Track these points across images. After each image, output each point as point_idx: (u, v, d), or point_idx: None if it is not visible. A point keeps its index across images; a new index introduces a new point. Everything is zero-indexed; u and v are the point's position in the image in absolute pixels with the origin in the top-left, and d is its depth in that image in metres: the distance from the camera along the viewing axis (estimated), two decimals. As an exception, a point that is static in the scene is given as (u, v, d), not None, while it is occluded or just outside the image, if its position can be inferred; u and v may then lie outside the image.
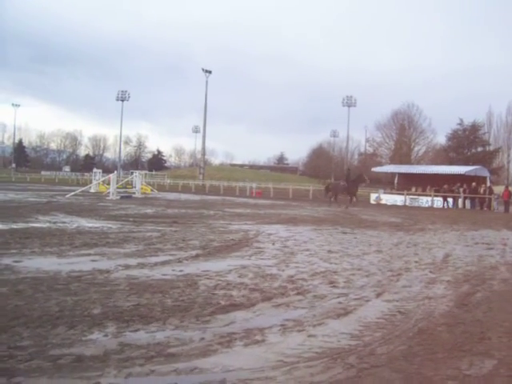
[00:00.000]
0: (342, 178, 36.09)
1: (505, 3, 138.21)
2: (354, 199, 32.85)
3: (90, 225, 14.65)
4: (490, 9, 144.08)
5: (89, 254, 9.35)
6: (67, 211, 19.23)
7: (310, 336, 5.05)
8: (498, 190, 44.37)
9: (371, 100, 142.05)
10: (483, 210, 36.87)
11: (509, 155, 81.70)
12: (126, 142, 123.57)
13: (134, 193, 37.50)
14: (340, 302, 6.53)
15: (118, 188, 35.14)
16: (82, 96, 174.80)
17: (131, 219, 17.13)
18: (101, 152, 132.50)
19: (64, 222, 14.99)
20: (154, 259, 9.11)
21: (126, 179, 45.67)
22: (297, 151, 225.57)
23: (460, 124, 79.89)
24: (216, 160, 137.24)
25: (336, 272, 8.68)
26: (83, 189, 37.58)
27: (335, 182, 38.68)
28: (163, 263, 8.78)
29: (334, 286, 7.51)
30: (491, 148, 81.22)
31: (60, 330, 4.86)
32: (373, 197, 44.24)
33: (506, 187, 41.69)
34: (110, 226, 14.53)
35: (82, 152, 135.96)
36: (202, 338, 4.81)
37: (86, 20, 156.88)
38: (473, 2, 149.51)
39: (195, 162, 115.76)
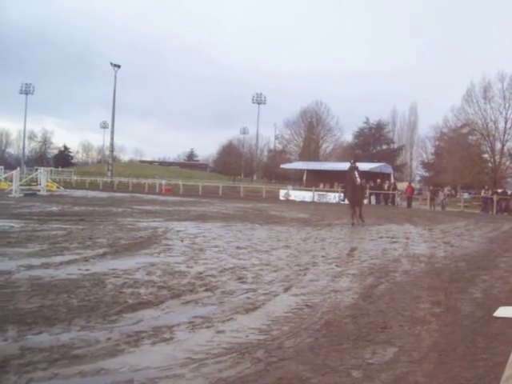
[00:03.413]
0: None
1: (413, 10, 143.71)
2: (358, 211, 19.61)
3: (-10, 224, 13.96)
4: (400, 13, 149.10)
5: (-12, 255, 8.92)
6: (-35, 210, 18.27)
7: (218, 332, 5.06)
8: (402, 186, 46.36)
9: (281, 98, 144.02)
10: (387, 206, 38.33)
11: (411, 153, 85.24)
12: (31, 138, 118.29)
13: (39, 190, 36.05)
14: (248, 298, 6.59)
15: (21, 185, 33.77)
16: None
17: (35, 217, 16.48)
18: (3, 147, 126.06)
19: (-39, 222, 14.20)
20: (59, 258, 8.81)
21: (31, 176, 43.92)
22: (207, 148, 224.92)
23: (366, 122, 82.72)
24: (125, 156, 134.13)
25: (245, 268, 8.75)
26: (-17, 186, 35.88)
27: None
28: (69, 262, 8.51)
29: (243, 282, 7.57)
30: (395, 146, 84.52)
31: (-45, 335, 4.62)
32: (282, 193, 45.01)
33: (409, 184, 43.66)
34: (12, 224, 13.88)
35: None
36: (109, 338, 4.71)
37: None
38: (382, 5, 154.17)
39: (103, 159, 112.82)
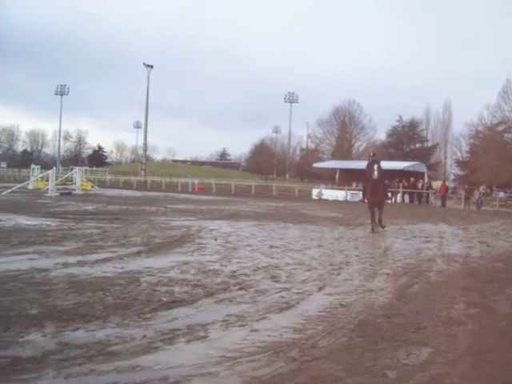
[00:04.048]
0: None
1: (446, 5, 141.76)
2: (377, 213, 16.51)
3: (28, 222, 14.21)
4: (428, 8, 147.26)
5: (26, 253, 9.07)
6: (3, 208, 18.61)
7: (252, 331, 5.08)
8: (436, 185, 45.70)
9: (313, 97, 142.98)
10: (421, 205, 37.87)
11: (445, 151, 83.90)
12: (66, 138, 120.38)
13: (74, 189, 36.64)
14: (282, 297, 6.58)
15: (57, 184, 34.34)
16: (18, 89, 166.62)
17: (71, 216, 16.75)
18: (39, 147, 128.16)
19: (0, 220, 14.50)
20: (94, 257, 8.95)
21: (66, 175, 44.60)
22: (239, 147, 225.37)
23: (399, 121, 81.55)
24: (158, 156, 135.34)
25: (278, 267, 8.75)
26: (21, 185, 36.40)
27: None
28: (104, 260, 8.63)
29: (276, 281, 7.57)
30: (429, 144, 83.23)
31: (-5, 331, 4.72)
32: (314, 192, 44.80)
33: (443, 182, 43.01)
34: (48, 223, 14.16)
35: (20, 147, 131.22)
36: (144, 336, 4.77)
37: (21, 8, 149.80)
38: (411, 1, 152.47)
39: (137, 158, 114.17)
